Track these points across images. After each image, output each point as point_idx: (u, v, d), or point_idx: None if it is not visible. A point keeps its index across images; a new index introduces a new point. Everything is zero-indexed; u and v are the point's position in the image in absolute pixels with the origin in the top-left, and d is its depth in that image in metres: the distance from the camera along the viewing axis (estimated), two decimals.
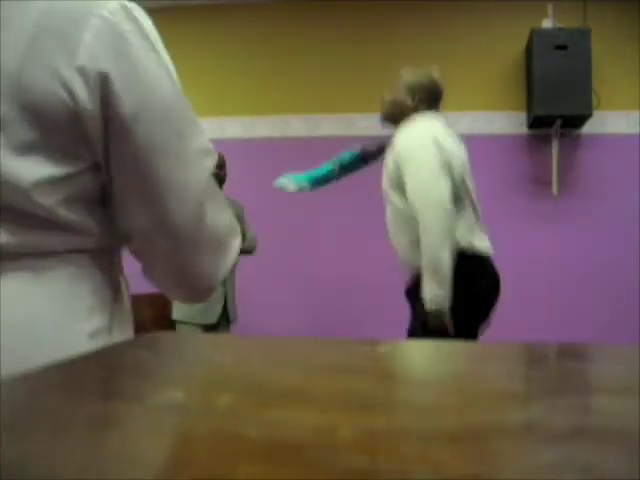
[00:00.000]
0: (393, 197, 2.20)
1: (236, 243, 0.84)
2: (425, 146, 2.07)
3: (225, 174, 3.38)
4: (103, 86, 0.67)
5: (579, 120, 3.53)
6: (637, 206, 3.66)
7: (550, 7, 3.64)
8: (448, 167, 2.06)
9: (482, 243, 2.16)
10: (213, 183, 0.78)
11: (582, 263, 3.64)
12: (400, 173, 2.11)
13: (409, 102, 2.26)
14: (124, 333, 0.79)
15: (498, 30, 3.76)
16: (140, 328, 0.87)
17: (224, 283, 3.32)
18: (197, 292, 0.82)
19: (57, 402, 0.35)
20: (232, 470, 0.23)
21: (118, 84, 0.68)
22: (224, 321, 3.34)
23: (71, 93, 0.67)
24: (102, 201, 0.75)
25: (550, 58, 3.41)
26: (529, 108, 3.53)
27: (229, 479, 0.22)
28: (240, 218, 3.33)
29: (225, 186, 3.40)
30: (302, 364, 0.49)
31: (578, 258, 3.64)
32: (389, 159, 2.21)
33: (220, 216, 0.79)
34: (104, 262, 0.79)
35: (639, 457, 0.24)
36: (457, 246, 2.06)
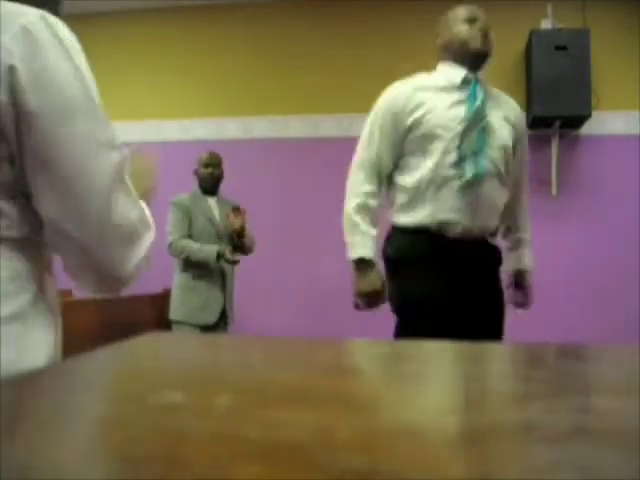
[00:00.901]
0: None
1: (147, 237, 0.88)
2: None
3: (222, 173, 3.38)
4: (12, 80, 0.73)
5: (578, 120, 3.53)
6: (636, 206, 3.66)
7: (549, 7, 3.65)
8: None
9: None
10: (122, 177, 0.83)
11: (581, 263, 3.64)
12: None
13: None
14: (42, 329, 0.83)
15: (497, 30, 3.74)
16: (139, 328, 0.87)
17: (223, 283, 3.31)
18: (106, 282, 0.86)
19: (57, 402, 0.35)
20: (231, 470, 0.23)
21: (25, 81, 0.74)
22: (222, 321, 3.34)
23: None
24: (19, 192, 0.79)
25: (549, 58, 3.41)
26: (528, 108, 3.53)
27: (228, 479, 0.22)
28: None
29: (223, 185, 3.40)
30: (301, 364, 0.49)
31: (577, 258, 3.65)
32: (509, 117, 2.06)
33: (129, 208, 0.83)
34: (27, 254, 0.82)
35: (639, 457, 0.24)
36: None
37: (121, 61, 4.31)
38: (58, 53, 0.78)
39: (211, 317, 3.28)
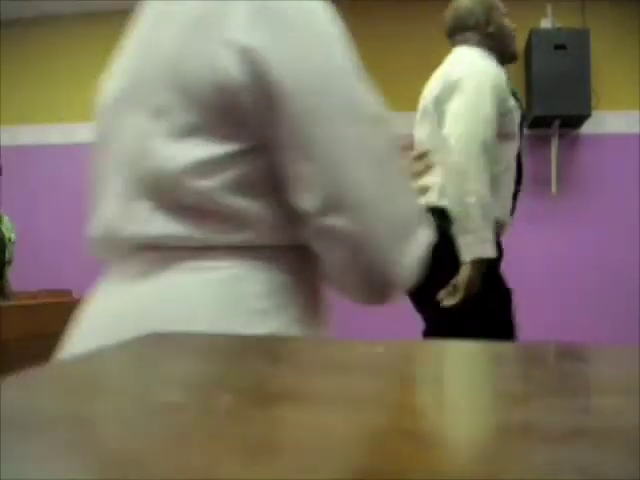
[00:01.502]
0: None
1: (423, 234, 0.72)
2: None
3: None
4: (253, 59, 0.65)
5: (578, 120, 3.53)
6: (636, 206, 3.66)
7: (549, 7, 3.65)
8: None
9: None
10: (393, 155, 0.71)
11: (581, 263, 3.64)
12: None
13: None
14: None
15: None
16: None
17: None
18: (375, 287, 0.71)
19: (56, 402, 0.35)
20: (231, 470, 0.23)
21: (269, 58, 0.65)
22: None
23: (223, 70, 0.66)
24: (270, 189, 0.70)
25: (549, 58, 3.42)
26: (528, 108, 3.53)
27: (228, 479, 0.22)
28: None
29: None
30: (301, 364, 0.49)
31: (577, 258, 3.65)
32: None
33: (401, 196, 0.70)
34: (287, 263, 0.72)
35: (639, 457, 0.24)
36: None
37: None
38: (304, 23, 0.69)
39: None
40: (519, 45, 3.67)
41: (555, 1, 3.62)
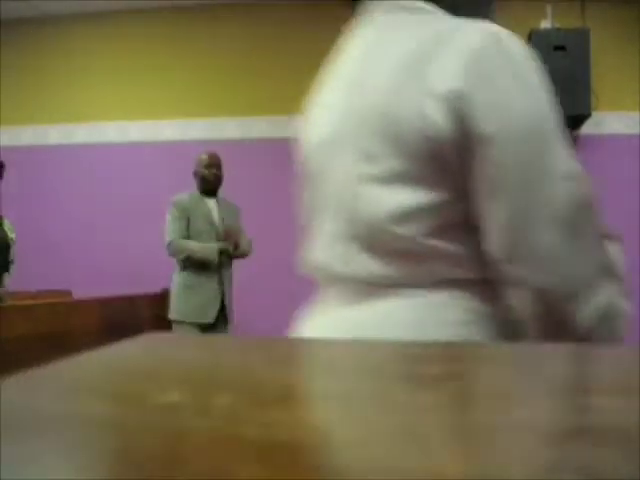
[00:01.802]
0: None
1: (609, 286, 0.73)
2: None
3: (221, 175, 3.37)
4: (460, 106, 0.68)
5: (578, 120, 3.54)
6: (636, 206, 3.66)
7: (549, 8, 3.65)
8: None
9: None
10: (584, 212, 0.71)
11: None
12: None
13: None
14: None
15: None
16: (139, 328, 0.87)
17: (222, 282, 3.31)
18: (549, 332, 0.72)
19: (56, 402, 0.35)
20: (231, 470, 0.23)
21: (476, 106, 0.68)
22: (222, 321, 3.34)
23: (431, 120, 0.68)
24: (468, 232, 0.73)
25: (549, 59, 3.42)
26: None
27: (228, 479, 0.22)
28: (238, 230, 3.33)
29: (222, 187, 3.40)
30: (301, 364, 0.49)
31: None
32: None
33: (584, 254, 0.70)
34: (479, 293, 0.75)
35: (639, 457, 0.24)
36: None
37: (120, 61, 4.31)
38: (509, 72, 0.72)
39: (210, 316, 3.28)
40: None
41: (555, 2, 3.62)
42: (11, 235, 3.10)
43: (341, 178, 0.78)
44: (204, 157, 3.32)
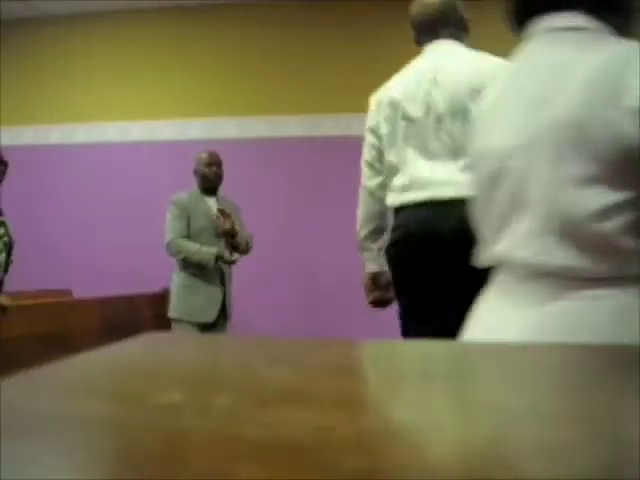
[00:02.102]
0: None
1: None
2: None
3: (221, 173, 3.37)
4: None
5: None
6: None
7: None
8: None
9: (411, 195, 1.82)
10: None
11: None
12: None
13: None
14: None
15: (496, 30, 3.76)
16: (139, 327, 0.86)
17: (222, 281, 3.31)
18: None
19: (56, 402, 0.35)
20: (231, 470, 0.23)
21: None
22: (222, 320, 3.34)
23: (626, 135, 0.79)
24: None
25: None
26: None
27: (227, 479, 0.22)
28: (236, 218, 3.33)
29: (222, 186, 3.40)
30: (301, 364, 0.49)
31: None
32: None
33: None
34: None
35: (638, 457, 0.24)
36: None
37: (120, 61, 4.31)
38: None
39: (210, 315, 3.28)
40: (518, 45, 3.67)
41: None
42: (13, 236, 3.11)
43: (538, 180, 0.87)
44: (204, 155, 3.33)
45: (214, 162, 3.37)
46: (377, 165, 1.98)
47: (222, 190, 3.45)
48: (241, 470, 0.23)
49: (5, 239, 2.92)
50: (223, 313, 3.34)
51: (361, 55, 3.89)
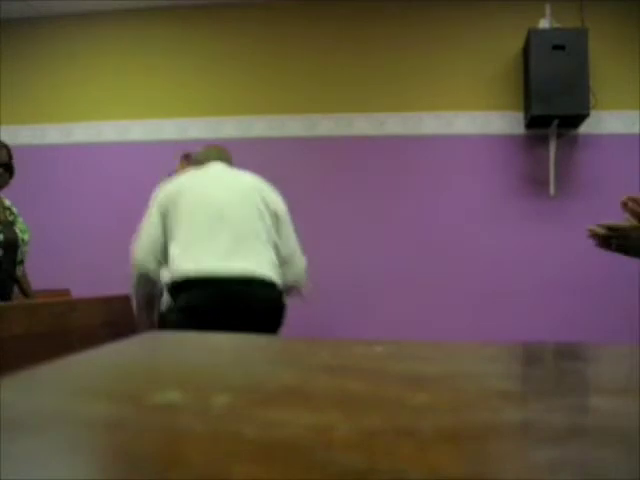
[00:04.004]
0: None
1: None
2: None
3: None
4: None
5: (576, 120, 3.53)
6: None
7: (547, 7, 3.65)
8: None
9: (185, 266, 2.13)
10: None
11: (580, 263, 3.64)
12: None
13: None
14: None
15: (495, 30, 3.77)
16: (138, 327, 0.86)
17: None
18: None
19: (56, 402, 0.35)
20: (229, 469, 0.23)
21: None
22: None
23: None
24: None
25: (547, 58, 3.42)
26: (526, 108, 3.53)
27: (227, 479, 0.22)
28: None
29: None
30: (299, 364, 0.49)
31: (576, 258, 3.65)
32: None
33: None
34: None
35: (638, 457, 0.24)
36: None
37: (119, 60, 4.31)
38: None
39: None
40: (517, 45, 3.67)
41: (553, 1, 3.62)
42: (23, 236, 3.09)
43: None
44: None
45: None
46: None
47: None
48: (240, 470, 0.23)
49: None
50: None
51: (361, 55, 3.88)
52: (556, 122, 3.50)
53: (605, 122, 3.69)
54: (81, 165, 4.36)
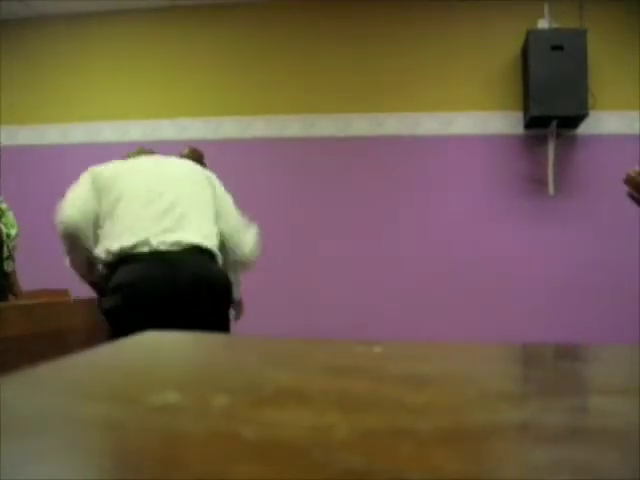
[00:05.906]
0: None
1: None
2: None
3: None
4: None
5: (575, 120, 3.53)
6: (635, 206, 3.66)
7: (546, 7, 3.65)
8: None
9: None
10: None
11: (579, 263, 3.65)
12: None
13: None
14: None
15: (494, 30, 3.77)
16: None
17: None
18: None
19: (55, 402, 0.35)
20: (229, 470, 0.23)
21: None
22: None
23: None
24: None
25: (546, 58, 3.42)
26: (525, 108, 3.53)
27: (226, 479, 0.22)
28: None
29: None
30: (299, 365, 0.49)
31: (575, 258, 3.65)
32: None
33: None
34: None
35: (637, 457, 0.24)
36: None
37: (118, 61, 4.30)
38: None
39: None
40: (516, 45, 3.67)
41: (552, 1, 3.62)
42: (9, 231, 3.06)
43: None
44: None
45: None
46: None
47: None
48: (239, 470, 0.23)
49: None
50: None
51: (361, 55, 3.88)
52: (555, 122, 3.50)
53: (604, 122, 3.69)
54: (80, 165, 4.35)
